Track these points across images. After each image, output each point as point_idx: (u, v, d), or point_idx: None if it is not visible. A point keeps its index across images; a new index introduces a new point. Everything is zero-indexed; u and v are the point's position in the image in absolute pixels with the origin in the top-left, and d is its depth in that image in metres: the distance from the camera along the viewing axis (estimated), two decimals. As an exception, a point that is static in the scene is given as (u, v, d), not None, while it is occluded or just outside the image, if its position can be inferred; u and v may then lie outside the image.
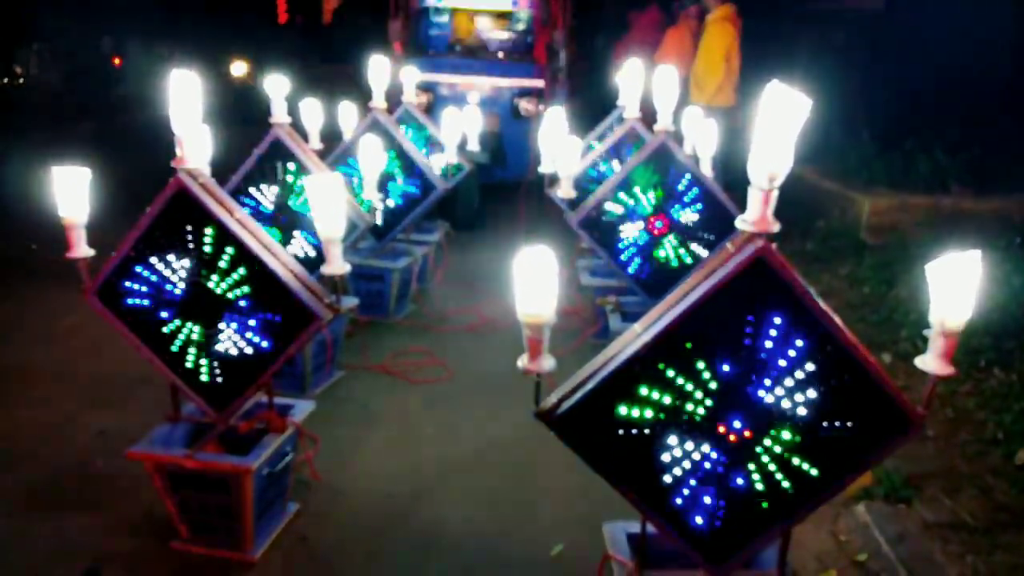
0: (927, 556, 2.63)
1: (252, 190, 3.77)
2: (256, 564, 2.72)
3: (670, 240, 3.78)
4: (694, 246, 3.77)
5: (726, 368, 1.78)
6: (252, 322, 2.54)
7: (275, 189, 3.73)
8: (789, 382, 1.79)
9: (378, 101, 4.65)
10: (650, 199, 3.75)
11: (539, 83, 7.56)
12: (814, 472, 1.85)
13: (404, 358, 4.40)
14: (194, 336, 2.59)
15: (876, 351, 4.26)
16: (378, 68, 4.61)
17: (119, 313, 2.60)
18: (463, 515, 3.04)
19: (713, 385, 1.79)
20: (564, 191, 3.78)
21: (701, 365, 1.78)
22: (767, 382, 1.79)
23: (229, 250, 2.48)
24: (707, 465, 1.85)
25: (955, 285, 1.73)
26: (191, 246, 2.50)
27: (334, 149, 4.75)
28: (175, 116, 2.34)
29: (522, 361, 1.77)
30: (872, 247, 5.83)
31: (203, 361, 2.61)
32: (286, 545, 2.83)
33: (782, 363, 1.77)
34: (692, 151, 4.36)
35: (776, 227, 1.68)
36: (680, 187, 3.73)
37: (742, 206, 1.72)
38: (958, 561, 2.57)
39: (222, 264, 2.50)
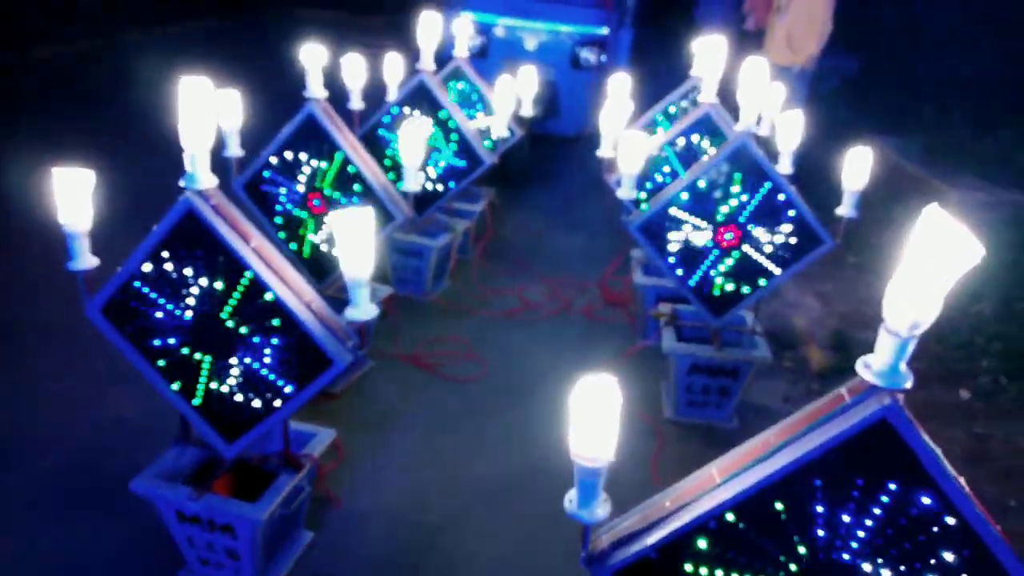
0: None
1: (281, 169, 3.44)
2: (263, 606, 2.54)
3: (740, 254, 3.37)
4: (767, 263, 3.36)
5: (821, 533, 1.45)
6: (267, 359, 2.26)
7: (308, 170, 3.40)
8: (896, 553, 1.46)
9: (426, 63, 4.21)
10: (721, 206, 3.33)
11: (603, 31, 6.97)
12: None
13: (437, 347, 4.13)
14: (204, 366, 2.33)
15: (953, 385, 3.87)
16: (428, 25, 4.16)
17: (124, 333, 2.34)
18: (495, 553, 2.81)
19: (803, 551, 1.47)
20: (625, 191, 3.38)
21: (792, 528, 1.45)
22: (869, 551, 1.46)
23: (243, 280, 2.19)
24: (783, 631, 1.55)
25: None
26: (202, 273, 2.21)
27: (377, 107, 4.37)
28: (184, 129, 2.02)
29: (570, 504, 1.46)
30: (956, 247, 5.31)
31: (213, 392, 2.35)
32: (297, 582, 2.64)
33: (890, 532, 1.44)
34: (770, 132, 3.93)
35: (909, 383, 1.32)
36: (758, 195, 3.29)
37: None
38: None
39: (235, 295, 2.21)
